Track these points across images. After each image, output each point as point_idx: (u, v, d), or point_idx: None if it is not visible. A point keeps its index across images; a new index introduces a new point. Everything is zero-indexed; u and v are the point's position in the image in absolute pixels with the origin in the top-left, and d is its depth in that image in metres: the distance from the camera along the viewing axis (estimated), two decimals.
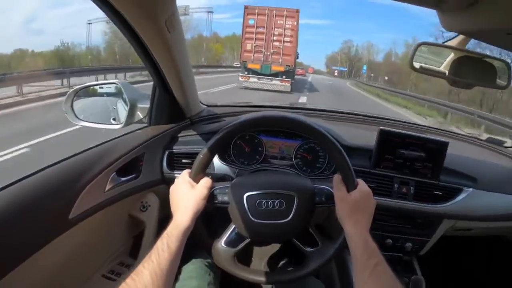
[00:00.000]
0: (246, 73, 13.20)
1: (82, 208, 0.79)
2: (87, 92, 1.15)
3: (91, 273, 0.93)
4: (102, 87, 1.18)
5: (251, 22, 13.42)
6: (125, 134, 1.04)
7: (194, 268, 0.97)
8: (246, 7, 13.62)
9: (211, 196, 0.75)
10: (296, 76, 17.11)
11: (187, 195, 0.71)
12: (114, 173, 0.90)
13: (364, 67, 56.78)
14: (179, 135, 1.08)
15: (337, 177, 0.75)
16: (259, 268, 1.00)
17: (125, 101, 1.08)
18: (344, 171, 0.74)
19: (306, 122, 0.78)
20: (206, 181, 0.75)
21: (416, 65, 0.90)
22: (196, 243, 0.79)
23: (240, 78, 13.17)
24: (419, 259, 1.17)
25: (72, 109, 1.06)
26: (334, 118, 1.39)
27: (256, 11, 13.29)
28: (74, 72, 10.53)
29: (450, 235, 1.19)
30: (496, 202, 1.11)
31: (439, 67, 0.92)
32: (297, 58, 14.70)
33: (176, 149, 1.04)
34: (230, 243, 0.80)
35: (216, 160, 1.01)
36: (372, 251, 0.62)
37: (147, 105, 1.08)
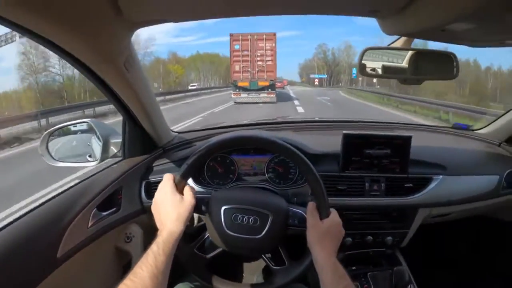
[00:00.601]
0: (237, 90, 15.67)
1: (69, 246, 0.81)
2: (62, 132, 1.17)
3: None
4: (75, 126, 1.20)
5: (237, 47, 16.21)
6: (102, 170, 1.07)
7: None
8: (231, 35, 16.32)
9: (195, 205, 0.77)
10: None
11: (178, 204, 0.73)
12: (95, 208, 0.92)
13: (354, 71, 47.17)
14: (153, 164, 1.10)
15: (311, 205, 0.78)
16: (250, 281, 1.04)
17: (98, 138, 1.10)
18: (319, 199, 0.77)
19: (273, 139, 0.81)
20: (191, 189, 0.77)
21: (367, 69, 0.93)
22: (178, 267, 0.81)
23: (232, 96, 15.75)
24: (403, 251, 1.21)
25: (48, 151, 1.08)
26: (302, 128, 1.43)
27: (240, 37, 16.12)
28: (46, 112, 10.47)
29: (431, 223, 1.23)
30: (466, 185, 1.16)
31: (386, 71, 0.96)
32: None
33: (152, 178, 1.06)
34: (203, 250, 0.84)
35: (192, 184, 1.03)
36: (341, 275, 0.66)
37: (120, 140, 1.10)
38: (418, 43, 1.03)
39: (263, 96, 15.26)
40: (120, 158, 1.11)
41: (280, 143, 0.80)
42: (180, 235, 0.70)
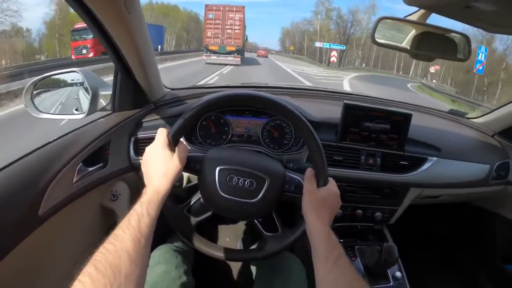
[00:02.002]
0: (208, 53, 19.08)
1: (52, 203, 0.76)
2: (47, 83, 1.09)
3: (68, 268, 0.91)
4: (62, 76, 1.12)
5: (210, 16, 20.18)
6: (89, 123, 1.01)
7: (160, 254, 0.96)
8: (206, 5, 20.56)
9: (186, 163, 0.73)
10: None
11: (167, 160, 0.68)
12: (81, 163, 0.86)
13: None
14: (143, 120, 1.05)
15: (309, 171, 0.75)
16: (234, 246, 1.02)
17: (86, 90, 1.03)
18: (318, 167, 0.74)
19: (278, 100, 0.77)
20: (184, 147, 0.72)
21: (379, 40, 0.91)
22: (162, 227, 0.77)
23: (204, 57, 18.68)
24: (390, 228, 1.22)
25: (33, 102, 1.00)
26: (300, 95, 1.40)
27: (214, 8, 20.23)
28: (33, 71, 9.59)
29: (420, 204, 1.25)
30: (459, 170, 1.17)
31: (401, 42, 0.94)
32: (246, 39, 23.42)
33: (142, 134, 1.01)
34: (194, 212, 0.80)
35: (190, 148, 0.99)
36: (334, 243, 0.63)
37: (110, 92, 1.04)
38: None
39: (230, 59, 18.17)
40: (109, 112, 1.05)
41: (283, 104, 0.76)
42: (166, 194, 0.65)
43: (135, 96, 1.04)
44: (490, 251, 1.47)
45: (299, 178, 0.79)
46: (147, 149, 0.72)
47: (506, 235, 1.38)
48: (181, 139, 0.96)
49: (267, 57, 33.95)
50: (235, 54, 18.77)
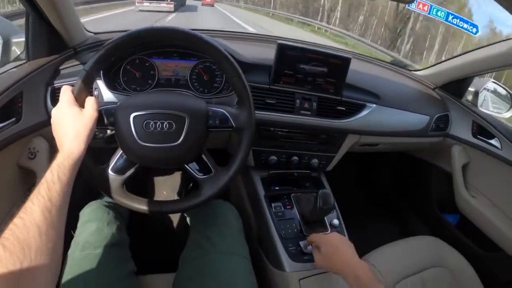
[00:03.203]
0: None
1: None
2: None
3: None
4: None
5: None
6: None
7: (91, 211, 0.91)
8: None
9: (98, 118, 0.67)
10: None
11: (75, 119, 0.62)
12: None
13: None
14: (61, 67, 0.94)
15: (307, 244, 0.88)
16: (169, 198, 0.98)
17: None
18: (245, 107, 0.75)
19: (196, 33, 0.71)
20: (93, 101, 0.66)
21: None
22: (87, 181, 0.72)
23: (136, 4, 16.80)
24: (328, 175, 1.21)
25: None
26: (235, 38, 1.34)
27: None
28: None
29: (358, 151, 1.25)
30: (398, 118, 1.17)
31: None
32: None
33: (60, 83, 0.90)
34: (118, 170, 0.74)
35: (105, 90, 0.90)
36: (364, 281, 0.67)
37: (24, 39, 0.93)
38: None
39: (163, 5, 17.30)
40: (24, 61, 0.94)
41: (205, 39, 0.70)
42: (80, 157, 0.60)
43: (51, 41, 0.93)
44: (427, 200, 1.53)
45: (222, 111, 0.75)
46: (53, 111, 0.65)
47: (442, 185, 1.44)
48: (102, 88, 0.89)
49: (212, 5, 30.37)
50: (168, 0, 17.82)
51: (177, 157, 0.74)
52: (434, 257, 1.05)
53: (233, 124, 0.76)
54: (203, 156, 0.78)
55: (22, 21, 0.92)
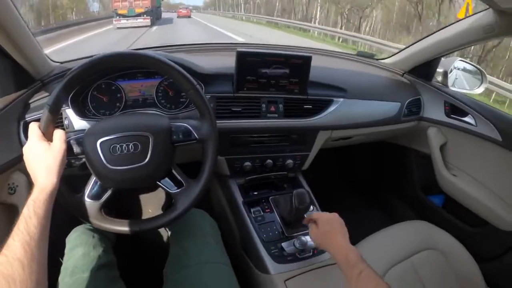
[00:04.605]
0: (118, 17, 18.37)
1: None
2: None
3: None
4: None
5: None
6: None
7: (76, 236, 0.92)
8: None
9: (67, 149, 0.68)
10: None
11: (45, 153, 0.64)
12: None
13: None
14: (31, 100, 0.95)
15: (307, 220, 0.88)
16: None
17: None
18: (203, 113, 0.76)
19: (145, 53, 0.73)
20: (60, 134, 0.68)
21: None
22: (60, 204, 0.72)
23: (114, 22, 18.01)
24: (305, 174, 1.22)
25: None
26: (196, 50, 1.35)
27: None
28: None
29: (333, 146, 1.25)
30: (368, 109, 1.18)
31: None
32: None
33: (31, 116, 0.91)
34: (94, 196, 0.76)
35: (75, 119, 0.91)
36: (354, 263, 0.69)
37: None
38: None
39: (139, 21, 18.04)
40: None
41: (154, 57, 0.72)
42: (54, 189, 0.62)
43: (17, 77, 0.93)
44: (411, 184, 1.54)
45: (185, 124, 0.76)
46: (24, 148, 0.67)
47: (423, 168, 1.45)
48: (71, 116, 0.89)
49: (189, 17, 29.21)
50: (144, 16, 18.61)
51: (147, 176, 0.75)
52: (423, 240, 1.05)
53: (196, 136, 0.77)
54: (173, 171, 0.79)
55: None
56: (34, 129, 0.68)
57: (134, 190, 1.44)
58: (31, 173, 0.65)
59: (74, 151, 0.71)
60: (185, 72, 0.74)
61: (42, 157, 0.64)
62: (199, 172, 0.79)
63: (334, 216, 0.83)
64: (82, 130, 0.75)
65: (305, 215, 0.93)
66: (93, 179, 0.76)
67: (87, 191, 0.76)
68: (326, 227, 0.81)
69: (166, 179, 0.79)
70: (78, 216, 0.76)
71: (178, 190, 0.79)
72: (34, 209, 0.56)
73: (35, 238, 0.52)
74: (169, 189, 0.79)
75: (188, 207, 0.77)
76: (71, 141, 0.71)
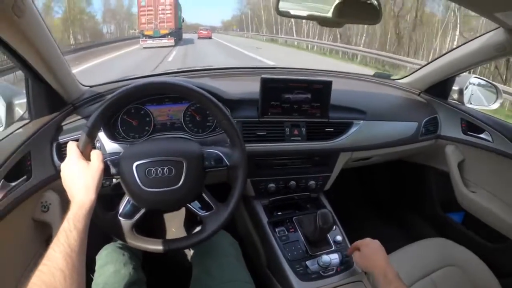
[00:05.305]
0: (144, 38, 20.64)
1: None
2: None
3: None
4: None
5: (143, 3, 21.87)
6: (5, 137, 0.96)
7: (107, 254, 0.96)
8: None
9: (104, 169, 0.73)
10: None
11: (83, 172, 0.68)
12: (3, 180, 0.83)
13: None
14: (63, 123, 1.01)
15: (350, 250, 0.95)
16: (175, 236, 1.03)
17: None
18: (232, 139, 0.81)
19: (178, 83, 0.78)
20: (98, 154, 0.72)
21: (283, 10, 0.89)
22: (99, 227, 0.77)
23: (141, 42, 20.23)
24: (327, 194, 1.25)
25: None
26: (221, 75, 1.39)
27: None
28: None
29: (354, 167, 1.28)
30: (387, 130, 1.21)
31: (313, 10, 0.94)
32: (183, 21, 25.66)
33: (63, 138, 0.97)
34: (127, 215, 0.80)
35: (107, 141, 0.97)
36: (390, 279, 0.77)
37: (25, 100, 0.99)
38: None
39: (164, 41, 19.89)
40: (27, 121, 1.00)
41: (186, 86, 0.77)
42: (92, 206, 0.66)
43: (50, 100, 0.99)
44: (430, 202, 1.55)
45: (216, 151, 0.81)
46: (62, 166, 0.72)
47: (441, 185, 1.46)
48: (103, 139, 0.95)
49: (210, 38, 28.68)
50: (169, 36, 20.67)
51: (179, 199, 0.79)
52: (443, 257, 1.06)
53: (227, 163, 0.81)
54: (204, 195, 0.83)
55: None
56: (73, 148, 0.71)
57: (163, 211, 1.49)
58: (68, 190, 0.69)
59: (111, 172, 0.76)
60: (218, 103, 0.79)
61: (81, 175, 0.68)
62: (228, 196, 0.82)
63: (375, 242, 0.89)
64: (117, 153, 0.80)
65: (348, 246, 1.01)
66: (126, 198, 0.80)
67: (121, 209, 0.80)
68: (368, 251, 0.88)
69: (196, 201, 0.83)
70: (111, 234, 0.80)
71: (207, 213, 0.82)
72: (74, 223, 0.60)
73: (76, 250, 0.56)
74: (199, 212, 0.83)
75: (216, 230, 0.81)
76: (108, 162, 0.75)
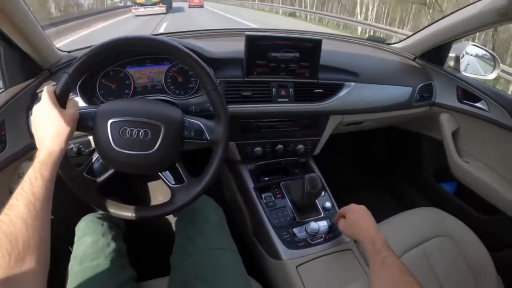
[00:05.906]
0: (136, 6, 20.73)
1: None
2: None
3: None
4: None
5: None
6: None
7: (85, 225, 0.91)
8: None
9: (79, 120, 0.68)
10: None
11: (57, 118, 0.63)
12: None
13: None
14: (38, 90, 0.94)
15: (337, 218, 0.91)
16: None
17: None
18: (214, 104, 0.74)
19: (160, 39, 0.71)
20: (74, 102, 0.68)
21: None
22: (78, 196, 0.74)
23: (133, 10, 20.36)
24: (316, 159, 1.20)
25: None
26: (205, 36, 1.33)
27: None
28: None
29: (344, 131, 1.23)
30: (379, 93, 1.16)
31: None
32: None
33: None
34: (93, 173, 0.75)
35: (83, 105, 0.90)
36: (379, 248, 0.72)
37: None
38: None
39: (156, 9, 20.03)
40: (2, 90, 0.93)
41: (168, 42, 0.70)
42: (61, 154, 0.61)
43: (25, 67, 0.93)
44: (423, 171, 1.53)
45: (198, 123, 0.75)
46: (34, 109, 0.65)
47: (435, 154, 1.43)
48: (81, 103, 0.88)
49: (202, 6, 27.11)
50: (160, 4, 20.74)
51: (150, 165, 0.74)
52: (434, 228, 1.04)
53: (208, 137, 0.75)
54: (177, 165, 0.78)
55: None
56: (49, 92, 0.66)
57: (137, 176, 1.45)
58: (37, 135, 0.64)
59: (85, 124, 0.70)
60: (209, 71, 0.73)
61: (54, 121, 0.63)
62: (202, 172, 0.77)
63: (361, 207, 0.86)
64: (96, 106, 0.74)
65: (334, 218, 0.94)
66: (95, 156, 0.76)
67: (87, 167, 0.75)
68: (354, 217, 0.84)
69: (167, 172, 0.79)
70: (73, 190, 0.75)
71: (178, 185, 0.78)
72: (40, 171, 0.55)
73: (40, 199, 0.52)
74: (169, 182, 0.78)
75: (185, 204, 0.76)
76: (84, 113, 0.70)
